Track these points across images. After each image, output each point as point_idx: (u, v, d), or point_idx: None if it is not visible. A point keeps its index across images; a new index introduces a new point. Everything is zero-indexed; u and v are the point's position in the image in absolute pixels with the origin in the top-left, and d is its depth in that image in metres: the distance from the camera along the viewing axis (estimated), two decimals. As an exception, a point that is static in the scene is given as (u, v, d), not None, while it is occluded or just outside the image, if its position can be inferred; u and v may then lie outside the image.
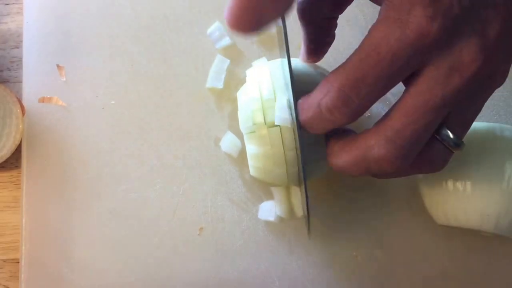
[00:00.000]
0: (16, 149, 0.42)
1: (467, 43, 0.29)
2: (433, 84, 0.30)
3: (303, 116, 0.32)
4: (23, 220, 0.41)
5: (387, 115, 0.31)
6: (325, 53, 0.39)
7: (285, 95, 0.37)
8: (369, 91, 0.30)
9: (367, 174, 0.33)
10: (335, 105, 0.30)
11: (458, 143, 0.32)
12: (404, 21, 0.29)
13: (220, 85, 0.43)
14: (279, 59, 0.41)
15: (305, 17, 0.37)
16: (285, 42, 0.33)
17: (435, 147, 0.32)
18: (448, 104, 0.30)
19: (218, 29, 0.44)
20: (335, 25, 0.38)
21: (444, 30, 0.29)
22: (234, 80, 0.44)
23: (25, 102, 0.43)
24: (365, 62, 0.29)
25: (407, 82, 0.31)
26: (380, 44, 0.29)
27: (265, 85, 0.38)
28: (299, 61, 0.40)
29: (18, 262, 0.41)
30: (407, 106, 0.30)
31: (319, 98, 0.31)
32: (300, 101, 0.33)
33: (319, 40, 0.38)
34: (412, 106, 0.30)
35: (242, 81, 0.41)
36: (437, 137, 0.32)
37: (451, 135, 0.32)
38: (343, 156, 0.33)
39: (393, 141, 0.30)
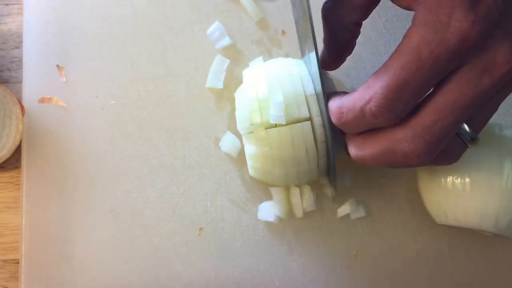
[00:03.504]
0: (16, 149, 0.42)
1: (500, 46, 0.30)
2: (464, 84, 0.30)
3: (343, 119, 0.33)
4: (23, 221, 0.41)
5: (415, 110, 0.32)
6: (344, 61, 0.39)
7: (280, 94, 0.37)
8: (412, 95, 0.31)
9: (389, 166, 0.34)
10: (380, 111, 0.31)
11: (474, 138, 0.33)
12: (445, 24, 0.29)
13: (219, 85, 0.43)
14: (278, 59, 0.41)
15: (330, 23, 0.37)
16: (312, 35, 0.35)
17: (453, 141, 0.33)
18: (476, 103, 0.31)
19: (218, 29, 0.44)
20: (359, 32, 0.38)
21: (483, 33, 0.29)
22: (234, 80, 0.44)
23: (25, 103, 0.43)
24: (408, 68, 0.30)
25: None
26: (421, 49, 0.30)
27: (261, 85, 0.38)
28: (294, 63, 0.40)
29: (18, 263, 0.41)
30: (437, 103, 0.31)
31: (363, 103, 0.32)
32: (336, 103, 0.34)
33: (341, 47, 0.38)
34: (442, 104, 0.31)
35: (242, 81, 0.41)
36: (456, 132, 0.33)
37: (469, 131, 0.32)
38: (367, 148, 0.34)
39: (421, 137, 0.31)
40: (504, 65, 0.30)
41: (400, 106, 0.31)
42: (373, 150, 0.34)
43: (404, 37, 0.31)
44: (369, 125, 0.33)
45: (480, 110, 0.32)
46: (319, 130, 0.38)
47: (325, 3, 0.37)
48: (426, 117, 0.31)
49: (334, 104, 0.35)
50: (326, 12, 0.37)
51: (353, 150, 0.35)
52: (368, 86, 0.32)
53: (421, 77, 0.30)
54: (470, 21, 0.29)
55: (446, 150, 0.33)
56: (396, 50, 0.31)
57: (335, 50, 0.38)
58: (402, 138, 0.32)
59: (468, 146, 0.34)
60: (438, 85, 0.31)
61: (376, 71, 0.32)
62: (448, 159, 0.34)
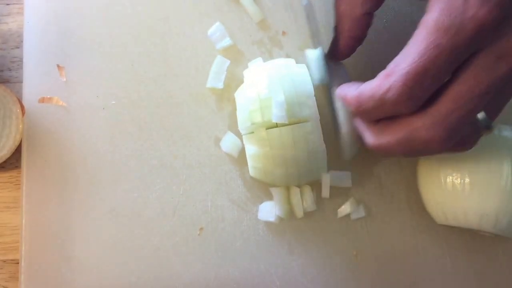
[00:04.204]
0: (16, 149, 0.42)
1: None
2: (481, 71, 0.31)
3: (362, 107, 0.34)
4: (23, 221, 0.41)
5: (433, 99, 0.32)
6: (354, 51, 0.40)
7: (281, 93, 0.37)
8: (431, 82, 0.31)
9: (407, 154, 0.34)
10: (400, 99, 0.31)
11: (489, 126, 0.33)
12: (461, 11, 0.30)
13: (220, 86, 0.43)
14: (279, 59, 0.42)
15: (342, 12, 0.37)
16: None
17: (469, 128, 0.33)
18: (493, 90, 0.31)
19: (218, 30, 0.44)
20: (370, 23, 0.38)
21: (499, 20, 0.30)
22: (234, 81, 0.44)
23: (25, 102, 0.43)
24: (427, 56, 0.30)
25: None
26: (439, 36, 0.30)
27: (262, 85, 0.38)
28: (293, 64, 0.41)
29: (18, 263, 0.41)
30: (454, 92, 0.31)
31: (383, 91, 0.32)
32: (354, 92, 0.34)
33: (352, 37, 0.38)
34: (459, 92, 0.31)
35: (242, 81, 0.42)
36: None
37: (484, 118, 0.33)
38: (386, 137, 0.34)
39: (440, 125, 0.31)
40: None
41: (420, 93, 0.31)
42: (391, 139, 0.34)
43: (420, 24, 0.31)
44: (388, 112, 0.33)
45: (497, 97, 0.32)
46: (320, 131, 0.38)
47: None
48: (445, 105, 0.31)
49: (352, 93, 0.35)
50: (338, 1, 0.37)
51: (371, 139, 0.35)
52: (387, 74, 0.32)
53: (440, 64, 0.30)
54: (486, 8, 0.29)
55: (462, 138, 0.33)
56: (413, 37, 0.31)
57: (346, 40, 0.38)
58: (421, 127, 0.32)
59: (483, 134, 0.34)
60: (455, 72, 0.32)
61: (394, 59, 0.32)
62: (464, 146, 0.34)
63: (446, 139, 0.32)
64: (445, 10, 0.30)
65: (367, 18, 0.38)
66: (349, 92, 0.35)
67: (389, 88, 0.32)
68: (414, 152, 0.34)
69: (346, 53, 0.39)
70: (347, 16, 0.37)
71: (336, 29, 0.39)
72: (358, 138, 0.37)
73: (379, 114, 0.34)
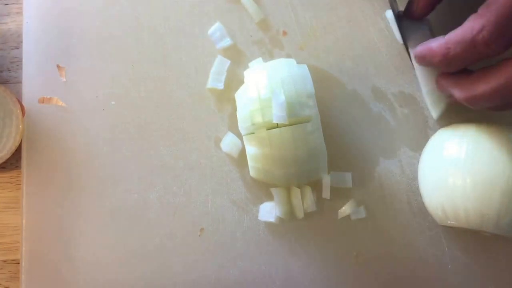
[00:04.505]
0: (16, 149, 0.42)
1: None
2: None
3: (450, 53, 0.34)
4: (23, 221, 0.41)
5: None
6: (431, 10, 0.39)
7: (281, 94, 0.37)
8: None
9: (503, 104, 0.34)
10: (493, 37, 0.31)
11: None
12: None
13: (220, 86, 0.43)
14: (279, 60, 0.41)
15: None
16: None
17: None
18: None
19: (218, 30, 0.44)
20: None
21: None
22: (235, 81, 0.44)
23: (25, 103, 0.43)
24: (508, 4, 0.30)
25: None
26: None
27: (262, 85, 0.38)
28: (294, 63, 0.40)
29: (18, 263, 0.41)
30: None
31: (474, 33, 0.32)
32: (438, 42, 0.34)
33: None
34: None
35: (243, 81, 0.41)
36: None
37: None
38: (480, 86, 0.34)
39: None
40: None
41: (511, 30, 0.31)
42: (487, 87, 0.33)
43: None
44: (480, 55, 0.33)
45: None
46: (320, 131, 0.38)
47: None
48: None
49: (437, 42, 0.35)
50: None
51: (463, 92, 0.35)
52: (477, 17, 0.32)
53: None
54: None
55: None
56: None
57: None
58: None
59: None
60: None
61: (481, 6, 0.32)
62: None
63: None
64: None
65: None
66: (433, 43, 0.35)
67: (481, 29, 0.32)
68: (508, 103, 0.33)
69: (423, 11, 0.39)
70: None
71: None
72: (442, 94, 0.37)
73: (471, 58, 0.33)
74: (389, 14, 0.42)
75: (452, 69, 0.36)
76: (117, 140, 0.43)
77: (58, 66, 0.43)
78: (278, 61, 0.41)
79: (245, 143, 0.40)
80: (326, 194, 0.42)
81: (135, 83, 0.43)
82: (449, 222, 0.39)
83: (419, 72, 0.40)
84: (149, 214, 0.42)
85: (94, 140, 0.43)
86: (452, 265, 0.42)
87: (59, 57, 0.43)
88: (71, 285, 0.41)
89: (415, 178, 0.42)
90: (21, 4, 0.45)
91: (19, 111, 0.42)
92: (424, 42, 0.37)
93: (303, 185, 0.42)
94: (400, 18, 0.40)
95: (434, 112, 0.41)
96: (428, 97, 0.40)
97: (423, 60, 0.37)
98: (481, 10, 0.32)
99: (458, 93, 0.35)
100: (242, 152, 0.42)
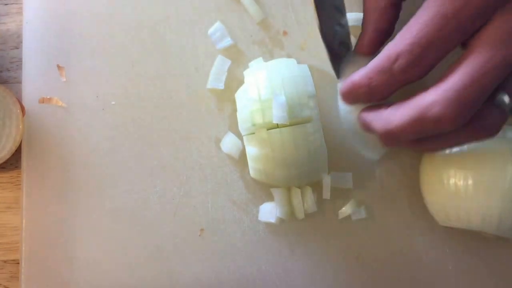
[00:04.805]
0: (16, 150, 0.42)
1: None
2: (493, 43, 0.30)
3: (372, 83, 0.34)
4: (23, 221, 0.41)
5: (446, 75, 0.32)
6: (381, 46, 0.38)
7: (282, 94, 0.37)
8: (438, 50, 0.31)
9: (417, 136, 0.33)
10: (409, 65, 0.32)
11: None
12: None
13: (220, 86, 0.43)
14: (280, 60, 0.41)
15: (372, 3, 0.36)
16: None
17: (490, 111, 0.32)
18: (509, 66, 0.30)
19: (219, 30, 0.44)
20: (398, 15, 0.37)
21: None
22: (235, 81, 0.43)
23: (25, 103, 0.43)
24: (433, 24, 0.31)
25: (467, 42, 0.32)
26: (445, 5, 0.30)
27: (262, 86, 0.38)
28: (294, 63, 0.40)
29: (18, 263, 0.41)
30: (467, 65, 0.31)
31: (391, 61, 0.32)
32: (360, 73, 0.34)
33: (380, 30, 0.38)
34: (473, 66, 0.30)
35: (243, 82, 0.41)
36: (493, 101, 0.32)
37: (507, 99, 0.31)
38: (396, 119, 0.33)
39: (453, 100, 0.30)
40: None
41: (427, 61, 0.31)
42: (402, 120, 0.33)
43: None
44: (398, 83, 0.33)
45: None
46: (321, 131, 0.38)
47: None
48: (457, 80, 0.31)
49: (358, 75, 0.34)
50: None
51: (380, 125, 0.34)
52: (393, 45, 0.32)
53: (446, 33, 0.30)
54: None
55: (485, 122, 0.32)
56: (421, 8, 0.31)
57: (372, 33, 0.37)
58: (433, 103, 0.31)
59: (507, 118, 0.33)
60: (469, 44, 0.31)
61: (400, 31, 0.32)
62: (487, 132, 0.33)
63: (459, 115, 0.31)
64: None
65: (394, 9, 0.36)
66: (355, 75, 0.35)
67: (396, 58, 0.32)
68: (426, 132, 0.32)
69: (373, 48, 0.38)
70: (373, 8, 0.36)
71: (363, 23, 0.38)
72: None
73: (391, 86, 0.33)
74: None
75: (375, 100, 0.35)
76: (117, 140, 0.43)
77: (58, 66, 0.43)
78: (278, 61, 0.41)
79: (245, 143, 0.40)
80: (326, 194, 0.42)
81: (135, 83, 0.43)
82: (450, 223, 0.39)
83: (346, 114, 0.39)
84: (149, 214, 0.42)
85: (94, 140, 0.43)
86: (453, 266, 0.42)
87: (59, 57, 0.43)
88: (71, 286, 0.41)
89: (416, 178, 0.42)
90: (21, 4, 0.45)
91: (19, 111, 0.42)
92: (347, 78, 0.36)
93: (303, 185, 0.41)
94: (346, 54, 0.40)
95: (375, 153, 0.40)
96: (369, 137, 0.39)
97: (349, 95, 0.36)
98: (396, 39, 0.32)
99: (376, 127, 0.35)
100: (243, 153, 0.42)
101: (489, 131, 0.33)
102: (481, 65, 0.30)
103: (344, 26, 0.39)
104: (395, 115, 0.33)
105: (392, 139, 0.34)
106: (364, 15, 0.38)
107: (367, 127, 0.36)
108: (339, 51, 0.39)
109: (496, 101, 0.32)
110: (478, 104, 0.31)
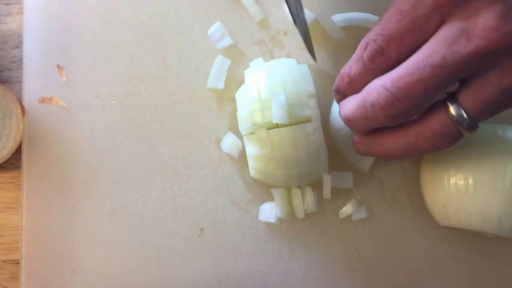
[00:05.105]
0: (16, 149, 0.42)
1: (486, 9, 0.29)
2: (439, 42, 0.30)
3: (352, 72, 0.35)
4: (23, 221, 0.41)
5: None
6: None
7: (282, 94, 0.37)
8: (397, 44, 0.32)
9: (363, 124, 0.34)
10: (373, 54, 0.33)
11: (471, 126, 0.32)
12: None
13: (221, 86, 0.43)
14: (280, 59, 0.41)
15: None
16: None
17: (440, 120, 0.32)
18: (449, 67, 0.30)
19: (219, 30, 0.44)
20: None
21: None
22: (235, 81, 0.43)
23: (25, 103, 0.43)
24: (392, 20, 0.32)
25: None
26: (403, 2, 0.32)
27: (263, 85, 0.38)
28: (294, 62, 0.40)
29: (18, 263, 0.41)
30: (410, 59, 0.31)
31: (362, 51, 0.34)
32: (340, 73, 0.36)
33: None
34: (412, 60, 0.31)
35: (243, 81, 0.41)
36: (447, 111, 0.32)
37: (459, 111, 0.31)
38: (348, 105, 0.34)
39: (387, 89, 0.31)
40: (485, 31, 0.29)
41: (390, 51, 0.32)
42: (352, 105, 0.34)
43: None
44: (371, 73, 0.34)
45: (474, 88, 0.31)
46: (321, 131, 0.38)
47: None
48: (397, 70, 0.32)
49: (343, 67, 0.36)
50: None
51: (342, 112, 0.35)
52: (367, 34, 0.34)
53: (403, 27, 0.32)
54: None
55: (434, 130, 0.32)
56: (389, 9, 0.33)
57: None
58: (373, 88, 0.32)
59: (461, 135, 0.32)
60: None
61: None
62: (436, 143, 0.33)
63: (392, 106, 0.31)
64: None
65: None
66: (338, 78, 0.36)
67: (366, 46, 0.33)
68: (370, 121, 0.33)
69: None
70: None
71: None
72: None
73: (365, 76, 0.34)
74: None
75: (359, 91, 0.35)
76: (117, 140, 0.43)
77: (58, 66, 0.43)
78: (278, 61, 0.41)
79: (245, 143, 0.40)
80: (327, 194, 0.42)
81: (135, 83, 0.43)
82: (450, 223, 0.39)
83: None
84: (149, 214, 0.42)
85: (94, 140, 0.43)
86: (454, 266, 0.42)
87: (59, 57, 0.43)
88: (71, 285, 0.41)
89: (417, 178, 0.42)
90: (22, 4, 0.45)
91: (19, 111, 0.42)
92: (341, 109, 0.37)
93: (303, 185, 0.41)
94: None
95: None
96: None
97: (338, 89, 0.37)
98: (372, 29, 0.34)
99: (341, 114, 0.36)
100: (243, 153, 0.42)
101: (433, 140, 0.33)
102: (421, 59, 0.31)
103: (303, 14, 0.41)
104: (350, 101, 0.34)
105: (351, 125, 0.35)
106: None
107: (342, 118, 0.36)
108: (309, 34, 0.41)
109: (448, 110, 0.32)
110: (414, 98, 0.31)
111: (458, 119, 0.32)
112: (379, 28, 0.33)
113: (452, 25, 0.30)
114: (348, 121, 0.35)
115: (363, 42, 0.34)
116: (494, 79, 0.30)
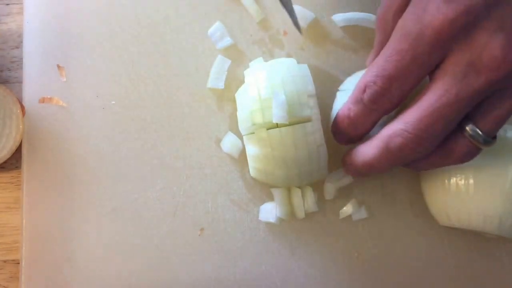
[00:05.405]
0: (16, 149, 0.42)
1: (489, 40, 0.29)
2: (449, 80, 0.31)
3: (351, 114, 0.36)
4: (23, 221, 0.41)
5: (409, 105, 0.33)
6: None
7: (282, 93, 0.37)
8: (400, 84, 0.32)
9: (392, 165, 0.35)
10: (375, 97, 0.33)
11: (487, 141, 0.33)
12: (420, 18, 0.30)
13: (221, 86, 0.43)
14: (280, 59, 0.41)
15: (383, 26, 0.37)
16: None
17: (459, 142, 0.33)
18: (464, 101, 0.31)
19: (219, 30, 0.44)
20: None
21: (460, 24, 0.29)
22: (235, 81, 0.43)
23: (25, 103, 0.43)
24: (391, 60, 0.32)
25: (431, 75, 0.32)
26: (401, 41, 0.32)
27: (262, 85, 0.38)
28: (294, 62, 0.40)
29: (18, 263, 0.41)
30: (423, 100, 0.32)
31: (361, 93, 0.34)
32: (341, 110, 0.37)
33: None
34: (427, 100, 0.32)
35: (243, 81, 0.41)
36: (463, 132, 0.33)
37: (475, 131, 0.33)
38: (370, 151, 0.35)
39: (410, 132, 0.32)
40: (491, 62, 0.29)
41: (392, 92, 0.33)
42: (374, 152, 0.35)
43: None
44: (374, 114, 0.35)
45: (489, 108, 0.32)
46: (321, 131, 0.38)
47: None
48: (414, 113, 0.32)
49: (341, 108, 0.37)
50: (382, 16, 0.37)
51: (360, 161, 0.36)
52: (363, 75, 0.34)
53: (404, 67, 0.32)
54: (443, 12, 0.29)
55: (454, 151, 0.34)
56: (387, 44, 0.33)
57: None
58: (394, 133, 0.33)
59: (480, 149, 0.34)
60: (432, 76, 0.32)
61: (372, 62, 0.34)
62: (457, 160, 0.34)
63: (417, 146, 0.32)
64: (409, 16, 0.31)
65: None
66: (340, 109, 0.37)
67: (365, 88, 0.34)
68: (396, 161, 0.34)
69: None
70: (385, 30, 0.37)
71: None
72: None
73: (367, 118, 0.35)
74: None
75: (359, 131, 0.37)
76: (117, 140, 0.43)
77: (58, 66, 0.43)
78: (278, 61, 0.41)
79: (245, 143, 0.40)
80: (329, 195, 0.42)
81: (135, 83, 0.43)
82: (451, 223, 0.39)
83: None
84: (149, 214, 0.42)
85: (94, 140, 0.43)
86: (455, 267, 0.42)
87: (59, 57, 0.43)
88: (71, 285, 0.41)
89: (417, 178, 0.42)
90: (22, 4, 0.45)
91: (19, 111, 0.42)
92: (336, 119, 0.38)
93: (304, 185, 0.41)
94: None
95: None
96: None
97: (338, 130, 0.38)
98: (368, 68, 0.34)
99: (358, 164, 0.36)
100: (243, 152, 0.42)
101: (456, 159, 0.34)
102: (436, 99, 0.31)
103: None
104: (369, 148, 0.35)
105: (372, 170, 0.36)
106: (377, 35, 0.38)
107: (352, 170, 0.38)
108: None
109: (465, 131, 0.33)
110: (437, 135, 0.32)
111: (475, 137, 0.33)
112: (377, 69, 0.33)
113: (457, 61, 0.30)
114: (371, 167, 0.35)
115: (360, 84, 0.34)
116: (506, 96, 0.32)
